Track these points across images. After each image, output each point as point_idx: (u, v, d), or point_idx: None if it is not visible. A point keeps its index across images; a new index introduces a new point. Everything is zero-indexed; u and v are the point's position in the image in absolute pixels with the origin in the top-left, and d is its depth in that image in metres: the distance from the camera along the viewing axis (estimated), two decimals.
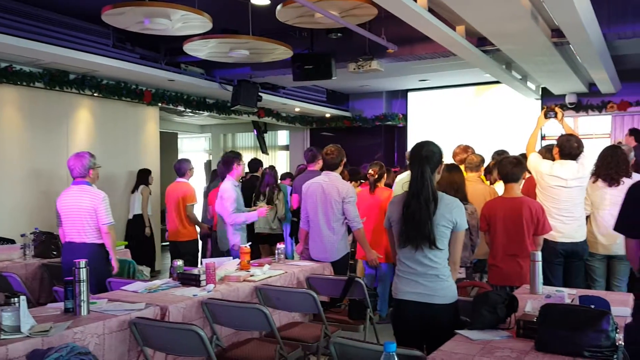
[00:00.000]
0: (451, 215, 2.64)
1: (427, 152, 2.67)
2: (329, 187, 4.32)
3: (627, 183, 4.30)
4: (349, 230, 4.44)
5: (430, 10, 4.80)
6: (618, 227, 2.55)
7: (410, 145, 9.56)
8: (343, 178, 5.37)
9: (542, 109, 8.98)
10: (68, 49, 5.96)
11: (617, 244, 4.29)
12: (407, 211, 2.63)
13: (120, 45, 6.75)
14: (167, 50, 7.35)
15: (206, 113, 9.35)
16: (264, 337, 3.45)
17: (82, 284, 2.79)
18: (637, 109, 8.57)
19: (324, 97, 10.46)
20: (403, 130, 10.83)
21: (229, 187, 4.88)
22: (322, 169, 4.82)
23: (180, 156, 10.78)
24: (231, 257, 4.18)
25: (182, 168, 6.03)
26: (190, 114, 9.86)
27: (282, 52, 6.06)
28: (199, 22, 4.93)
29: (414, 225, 2.60)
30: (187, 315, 3.08)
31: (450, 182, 3.99)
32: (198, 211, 6.37)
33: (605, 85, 7.98)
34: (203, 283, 3.45)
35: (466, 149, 5.48)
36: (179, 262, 3.68)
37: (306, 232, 4.50)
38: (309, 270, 4.12)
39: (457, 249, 2.74)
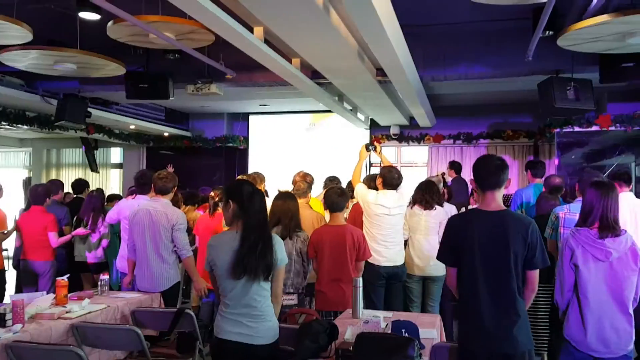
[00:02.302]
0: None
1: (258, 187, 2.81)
2: (158, 213, 4.16)
3: (438, 210, 4.85)
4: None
5: (267, 41, 4.93)
6: (440, 257, 2.79)
7: (252, 168, 9.70)
8: (176, 203, 5.22)
9: (371, 138, 9.82)
10: None
11: (430, 265, 4.76)
12: (246, 243, 2.62)
13: None
14: None
15: (26, 127, 8.46)
16: None
17: None
18: (449, 142, 9.74)
19: (162, 116, 10.11)
20: (244, 153, 10.90)
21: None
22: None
23: None
24: (44, 293, 3.79)
25: None
26: (7, 126, 8.83)
27: (113, 68, 5.77)
28: (17, 33, 4.51)
29: (254, 256, 2.61)
30: None
31: (285, 210, 4.06)
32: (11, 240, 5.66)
33: (423, 119, 8.90)
34: (9, 323, 3.08)
35: (305, 176, 5.51)
36: None
37: (134, 261, 4.28)
38: (136, 303, 3.90)
39: (278, 284, 2.80)
